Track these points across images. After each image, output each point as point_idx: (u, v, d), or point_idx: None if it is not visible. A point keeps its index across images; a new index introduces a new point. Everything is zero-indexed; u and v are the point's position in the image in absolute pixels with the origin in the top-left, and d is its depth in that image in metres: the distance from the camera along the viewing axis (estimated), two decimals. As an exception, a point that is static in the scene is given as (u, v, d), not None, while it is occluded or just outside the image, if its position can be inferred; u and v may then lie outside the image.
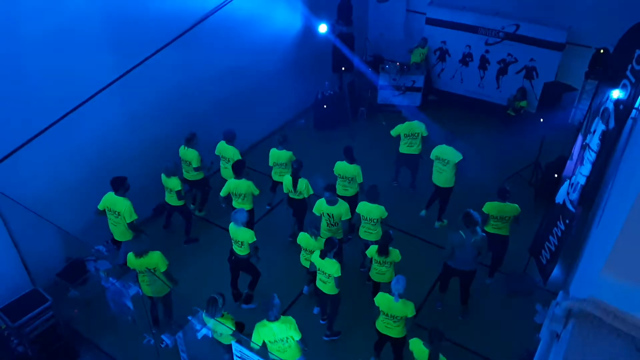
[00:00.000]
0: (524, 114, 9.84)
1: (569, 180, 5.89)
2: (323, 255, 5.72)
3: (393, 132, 7.97)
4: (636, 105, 4.66)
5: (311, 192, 6.94)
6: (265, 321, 4.97)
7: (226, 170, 7.51)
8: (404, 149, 8.00)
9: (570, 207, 5.61)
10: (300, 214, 7.27)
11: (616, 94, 4.95)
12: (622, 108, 4.80)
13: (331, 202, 6.38)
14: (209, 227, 8.04)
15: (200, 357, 5.72)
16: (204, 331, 5.31)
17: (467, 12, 10.26)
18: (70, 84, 6.18)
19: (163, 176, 7.06)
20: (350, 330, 6.43)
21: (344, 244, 6.93)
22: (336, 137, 10.03)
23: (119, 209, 6.33)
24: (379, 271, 6.12)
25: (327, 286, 5.90)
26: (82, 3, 6.07)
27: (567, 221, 5.61)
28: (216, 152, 7.71)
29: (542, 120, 8.20)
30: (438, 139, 7.55)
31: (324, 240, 5.92)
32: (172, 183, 7.03)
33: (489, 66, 10.52)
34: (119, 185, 6.28)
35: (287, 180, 7.00)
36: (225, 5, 7.54)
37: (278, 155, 7.54)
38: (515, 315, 6.52)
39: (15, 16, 5.53)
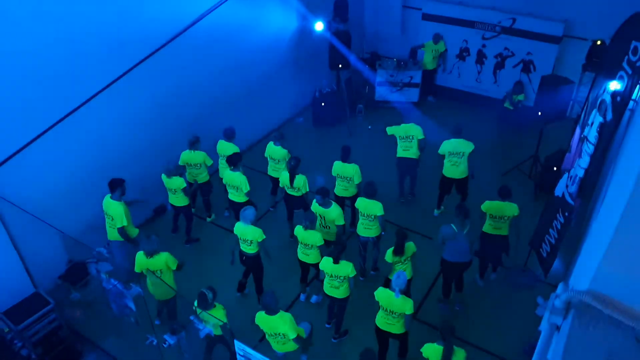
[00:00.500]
0: (521, 107, 9.84)
1: (567, 173, 5.90)
2: (337, 260, 5.70)
3: (389, 131, 7.83)
4: (633, 96, 4.67)
5: (307, 189, 6.97)
6: (262, 312, 5.10)
7: (226, 169, 7.52)
8: (400, 152, 7.78)
9: (569, 199, 5.62)
10: (298, 209, 7.32)
11: (613, 85, 4.95)
12: (619, 100, 4.80)
13: (323, 204, 6.38)
14: (211, 228, 8.04)
15: (202, 356, 5.76)
16: (206, 330, 5.35)
17: (463, 6, 10.25)
18: (69, 87, 6.19)
19: (164, 177, 7.04)
20: (351, 330, 6.45)
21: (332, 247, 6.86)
22: (335, 134, 10.03)
23: (112, 213, 6.30)
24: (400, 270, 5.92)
25: (339, 291, 5.86)
26: (77, 4, 6.06)
27: (566, 214, 5.62)
28: (217, 151, 7.73)
29: (540, 113, 8.20)
30: (441, 134, 7.51)
31: (316, 233, 5.99)
32: (176, 183, 7.02)
33: (486, 60, 10.52)
34: (115, 188, 6.25)
35: (284, 176, 7.04)
36: (221, 4, 7.56)
37: (273, 150, 7.59)
38: (516, 309, 6.54)
39: (13, 20, 5.52)
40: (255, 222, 6.25)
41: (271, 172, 7.78)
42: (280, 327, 5.10)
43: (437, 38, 10.60)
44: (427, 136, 7.69)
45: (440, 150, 7.47)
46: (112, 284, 5.53)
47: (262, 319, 5.17)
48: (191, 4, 7.33)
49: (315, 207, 6.52)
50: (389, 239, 6.30)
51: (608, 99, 5.00)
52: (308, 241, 6.16)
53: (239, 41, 8.55)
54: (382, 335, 5.63)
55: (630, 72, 4.72)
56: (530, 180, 8.70)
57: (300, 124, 10.56)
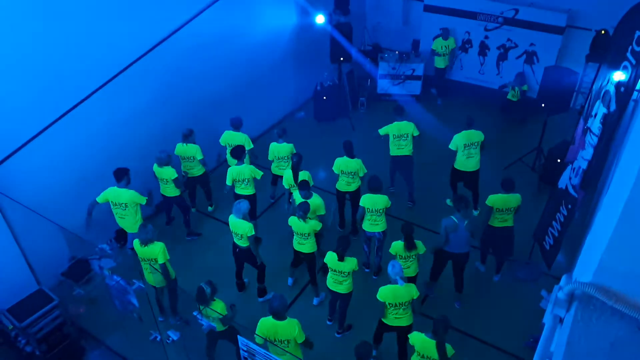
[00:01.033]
0: (524, 99, 9.78)
1: (570, 165, 5.86)
2: (341, 258, 5.68)
3: (381, 132, 7.62)
4: (637, 87, 4.62)
5: (311, 183, 6.88)
6: (269, 318, 4.94)
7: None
8: (394, 151, 7.63)
9: (572, 191, 5.59)
10: None
11: (617, 76, 4.90)
12: (623, 90, 4.75)
13: (306, 197, 6.38)
14: (211, 222, 8.05)
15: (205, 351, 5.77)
16: (210, 325, 5.35)
17: (465, -2, 10.18)
18: (70, 83, 6.19)
19: (156, 167, 7.02)
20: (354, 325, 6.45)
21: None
22: (337, 127, 10.01)
23: (124, 200, 6.34)
24: (405, 266, 5.85)
25: (343, 286, 5.86)
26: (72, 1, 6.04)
27: (570, 206, 5.59)
28: (222, 142, 7.67)
29: (543, 105, 8.14)
30: (445, 129, 7.50)
31: (310, 222, 6.04)
32: (167, 172, 6.99)
33: (488, 52, 10.45)
34: (121, 176, 6.30)
35: (287, 174, 6.98)
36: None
37: (279, 149, 7.53)
38: (521, 302, 6.52)
39: (11, 18, 5.51)
40: (259, 217, 6.26)
41: (277, 171, 7.69)
42: (287, 333, 4.91)
43: (446, 33, 10.26)
44: (430, 131, 7.66)
45: (452, 145, 7.34)
46: (114, 280, 5.54)
47: (267, 325, 4.90)
48: (190, -1, 7.30)
49: (298, 199, 6.49)
50: (394, 236, 6.26)
51: (612, 89, 4.95)
52: (305, 230, 6.16)
53: (240, 35, 8.51)
54: (389, 331, 5.62)
55: (634, 62, 4.66)
56: (534, 173, 8.65)
57: (301, 118, 10.53)
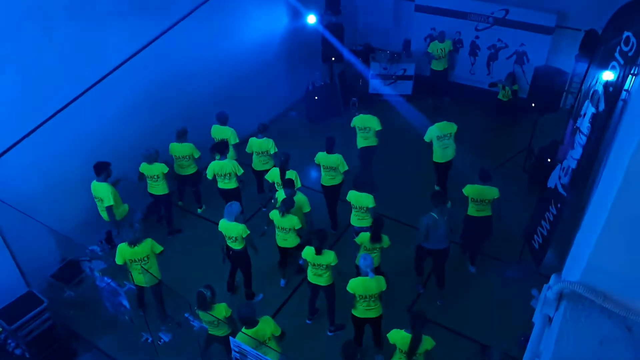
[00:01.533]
0: (514, 99, 9.83)
1: (560, 164, 5.90)
2: (319, 251, 5.71)
3: (352, 124, 7.98)
4: (625, 87, 4.66)
5: (299, 185, 6.89)
6: (243, 329, 4.87)
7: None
8: (361, 142, 7.94)
9: (561, 191, 5.63)
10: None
11: (605, 76, 4.94)
12: (612, 90, 4.79)
13: (290, 195, 6.39)
14: (200, 222, 8.01)
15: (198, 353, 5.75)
16: (202, 326, 5.33)
17: (456, -2, 10.21)
18: (57, 84, 6.13)
19: (144, 165, 7.00)
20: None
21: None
22: (328, 127, 9.98)
23: (101, 195, 6.39)
24: None
25: (322, 278, 5.90)
26: None
27: (559, 205, 5.63)
28: (213, 136, 7.70)
29: (533, 105, 8.19)
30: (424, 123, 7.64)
31: (293, 217, 6.06)
32: (158, 168, 6.99)
33: (479, 52, 10.49)
34: (100, 171, 6.33)
35: (274, 172, 7.04)
36: (212, -2, 7.48)
37: (259, 144, 7.55)
38: (511, 301, 6.55)
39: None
40: (248, 220, 6.25)
41: (259, 166, 7.70)
42: (264, 334, 4.88)
43: (442, 36, 10.11)
44: (422, 129, 7.75)
45: (427, 137, 7.61)
46: (105, 282, 5.51)
47: (244, 338, 4.77)
48: (181, -2, 7.26)
49: (281, 198, 6.48)
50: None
51: (600, 89, 4.99)
52: (286, 225, 6.20)
53: (232, 35, 8.49)
54: (360, 323, 5.72)
55: (622, 62, 4.70)
56: (524, 173, 8.70)
57: (293, 118, 10.51)
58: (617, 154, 2.61)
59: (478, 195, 6.48)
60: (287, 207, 6.17)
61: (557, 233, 5.72)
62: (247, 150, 7.69)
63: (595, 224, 2.03)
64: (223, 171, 7.06)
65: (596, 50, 5.59)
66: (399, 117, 8.03)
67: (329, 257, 5.74)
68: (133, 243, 5.68)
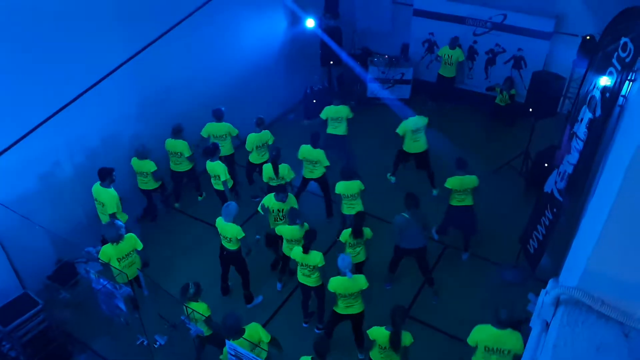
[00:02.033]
0: (512, 104, 9.86)
1: (557, 169, 5.92)
2: (306, 250, 5.74)
3: (322, 115, 8.41)
4: (622, 92, 4.68)
5: (293, 175, 7.11)
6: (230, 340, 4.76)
7: (223, 148, 7.63)
8: (331, 130, 8.41)
9: (558, 196, 5.64)
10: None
11: (603, 81, 4.97)
12: (609, 96, 4.81)
13: (282, 199, 6.42)
14: (195, 225, 7.99)
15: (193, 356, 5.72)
16: (198, 331, 5.31)
17: (454, 2, 10.23)
18: (55, 84, 6.10)
19: (135, 160, 7.06)
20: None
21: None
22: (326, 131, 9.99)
23: (103, 200, 6.39)
24: (354, 253, 6.22)
25: (311, 279, 5.91)
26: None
27: (555, 210, 5.64)
28: (204, 134, 7.77)
29: (531, 109, 8.21)
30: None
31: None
32: (147, 165, 7.06)
33: (477, 57, 10.52)
34: (105, 177, 6.35)
35: (267, 168, 7.11)
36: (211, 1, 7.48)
37: (259, 138, 7.67)
38: (508, 305, 6.55)
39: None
40: (247, 221, 6.24)
41: (257, 159, 7.81)
42: (253, 340, 4.85)
43: (453, 43, 9.89)
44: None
45: (400, 130, 7.96)
46: (101, 284, 5.48)
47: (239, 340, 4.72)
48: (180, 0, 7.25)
49: (270, 203, 6.50)
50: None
51: (597, 95, 5.02)
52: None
53: (231, 38, 8.50)
54: (341, 318, 5.77)
55: (619, 68, 4.73)
56: (521, 177, 8.72)
57: (291, 121, 10.52)
58: (615, 159, 2.61)
59: (460, 185, 6.76)
60: (293, 215, 6.13)
61: (553, 238, 5.74)
62: (247, 147, 7.74)
63: (593, 229, 2.03)
64: (213, 172, 7.18)
65: (594, 55, 5.62)
66: (398, 120, 8.05)
67: (316, 258, 5.75)
68: (116, 241, 5.71)
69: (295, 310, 6.62)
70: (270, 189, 7.22)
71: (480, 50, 10.41)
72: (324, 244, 6.39)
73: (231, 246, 6.23)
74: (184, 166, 7.66)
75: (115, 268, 5.57)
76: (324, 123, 8.52)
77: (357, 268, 6.28)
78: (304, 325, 6.46)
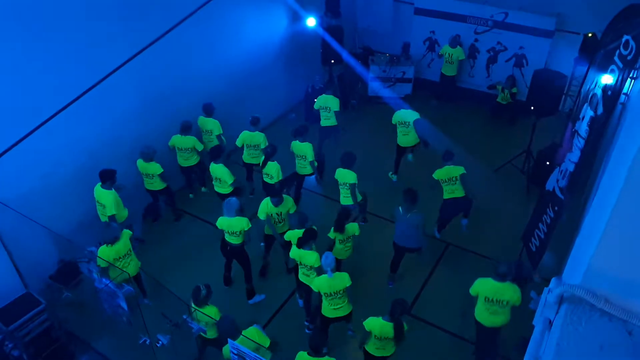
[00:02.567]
0: (513, 102, 9.85)
1: (558, 167, 5.92)
2: (300, 245, 5.70)
3: (315, 106, 8.57)
4: (624, 90, 4.67)
5: (280, 177, 7.09)
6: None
7: (210, 143, 7.74)
8: (323, 122, 8.55)
9: (559, 194, 5.64)
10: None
11: (604, 79, 4.96)
12: (610, 94, 4.80)
13: (277, 203, 6.40)
14: (199, 225, 7.99)
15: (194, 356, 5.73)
16: (200, 329, 5.31)
17: (455, 1, 10.22)
18: (57, 84, 6.10)
19: (140, 162, 7.08)
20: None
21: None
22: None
23: (104, 201, 6.41)
24: (345, 248, 6.29)
25: (311, 279, 5.83)
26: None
27: (556, 208, 5.63)
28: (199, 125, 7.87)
29: (532, 108, 8.20)
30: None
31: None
32: (153, 168, 7.09)
33: (478, 55, 10.52)
34: (106, 179, 6.37)
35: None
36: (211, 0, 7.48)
37: (251, 137, 7.65)
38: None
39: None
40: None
41: (248, 159, 7.86)
42: (250, 344, 4.81)
43: (453, 41, 10.00)
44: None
45: (393, 119, 8.14)
46: (103, 283, 5.48)
47: (229, 352, 4.70)
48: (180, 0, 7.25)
49: (270, 207, 6.46)
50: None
51: (599, 92, 5.01)
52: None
53: (231, 38, 8.49)
54: (330, 322, 5.77)
55: (621, 65, 4.72)
56: (523, 175, 8.71)
57: (292, 120, 10.51)
58: (618, 158, 2.61)
59: (446, 175, 6.91)
60: (301, 220, 6.09)
61: (554, 236, 5.73)
62: (238, 143, 7.78)
63: (596, 227, 2.03)
64: (214, 174, 7.19)
65: (595, 53, 5.61)
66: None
67: (312, 257, 5.71)
68: (111, 242, 5.73)
69: (295, 310, 6.62)
70: (264, 187, 7.30)
71: (482, 48, 10.40)
72: (324, 244, 6.35)
73: (236, 240, 6.23)
74: (193, 160, 7.75)
75: (116, 267, 5.59)
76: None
77: (340, 263, 6.30)
78: (306, 324, 6.45)
